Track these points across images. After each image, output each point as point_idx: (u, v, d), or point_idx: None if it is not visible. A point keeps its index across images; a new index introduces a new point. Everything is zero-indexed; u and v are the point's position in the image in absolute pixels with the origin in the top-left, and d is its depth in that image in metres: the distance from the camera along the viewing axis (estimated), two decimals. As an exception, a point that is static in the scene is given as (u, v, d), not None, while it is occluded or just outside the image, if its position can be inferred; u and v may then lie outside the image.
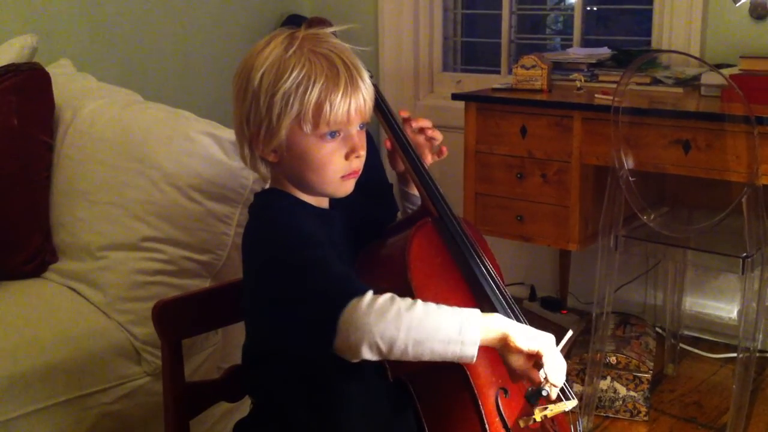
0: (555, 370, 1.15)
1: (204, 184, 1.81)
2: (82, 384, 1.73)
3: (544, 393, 1.16)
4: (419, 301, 1.11)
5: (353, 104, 1.19)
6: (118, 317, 1.83)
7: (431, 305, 1.11)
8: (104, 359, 1.77)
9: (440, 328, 1.09)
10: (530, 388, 1.18)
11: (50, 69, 2.12)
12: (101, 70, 2.67)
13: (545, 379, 1.15)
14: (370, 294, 1.09)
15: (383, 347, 1.07)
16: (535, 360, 1.15)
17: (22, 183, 1.99)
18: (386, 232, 1.36)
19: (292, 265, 1.15)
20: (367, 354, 1.08)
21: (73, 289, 1.93)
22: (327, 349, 1.10)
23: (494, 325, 1.13)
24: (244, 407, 1.38)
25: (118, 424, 1.79)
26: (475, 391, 1.22)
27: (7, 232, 1.97)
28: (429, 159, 1.44)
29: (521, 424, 1.25)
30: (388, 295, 1.10)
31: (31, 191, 2.01)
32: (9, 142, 1.97)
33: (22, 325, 1.77)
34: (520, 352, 1.13)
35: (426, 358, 1.09)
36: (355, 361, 1.10)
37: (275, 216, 1.24)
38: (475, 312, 1.12)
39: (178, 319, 1.36)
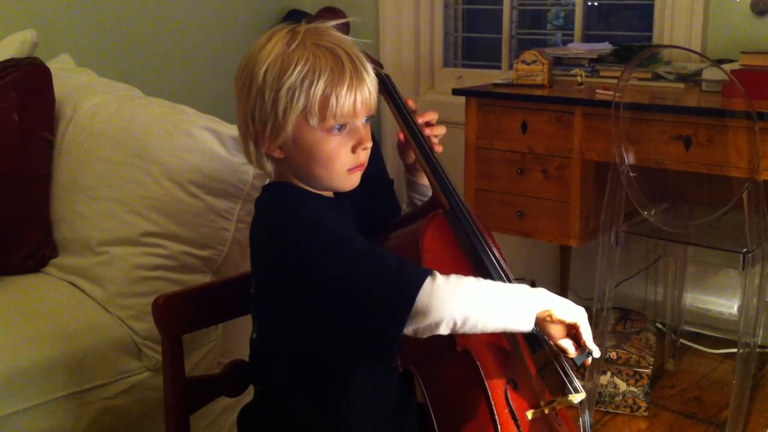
0: (590, 338, 1.23)
1: (204, 179, 1.81)
2: (83, 379, 1.73)
3: (595, 355, 1.24)
4: (480, 279, 1.17)
5: (359, 97, 1.19)
6: (119, 312, 1.83)
7: (490, 282, 1.19)
8: (104, 354, 1.77)
9: (505, 303, 1.16)
10: (574, 354, 1.25)
11: (50, 64, 2.12)
12: (101, 66, 2.67)
13: (584, 344, 1.23)
14: (437, 273, 1.13)
15: (458, 323, 1.12)
16: (570, 330, 1.22)
17: (23, 179, 1.99)
18: (396, 223, 1.36)
19: (337, 258, 1.14)
20: (443, 330, 1.12)
21: (74, 285, 1.93)
22: (395, 335, 1.11)
23: (542, 301, 1.19)
24: (245, 402, 1.38)
25: (119, 419, 1.79)
26: (486, 384, 1.22)
27: (7, 227, 1.97)
28: None
29: (529, 416, 1.26)
30: (453, 275, 1.14)
31: (32, 187, 2.01)
32: (9, 137, 1.97)
33: (23, 321, 1.77)
34: (561, 323, 1.20)
35: (489, 330, 1.16)
36: (425, 337, 1.13)
37: (294, 210, 1.23)
38: (526, 287, 1.20)
39: (179, 315, 1.36)
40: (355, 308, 1.13)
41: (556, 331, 1.21)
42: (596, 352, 1.24)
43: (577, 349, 1.22)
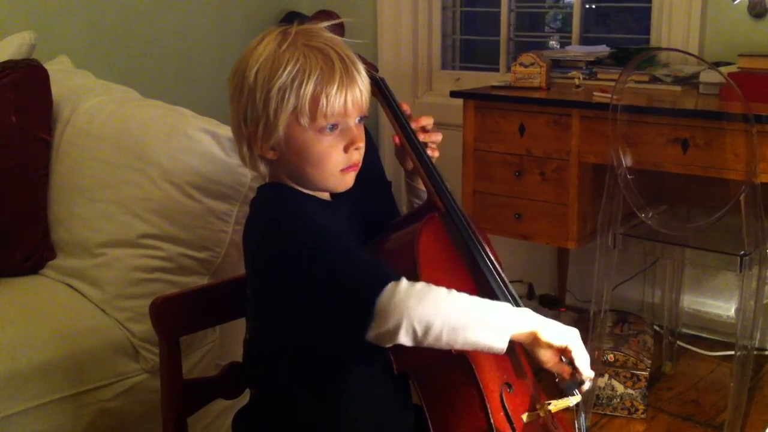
0: (584, 363, 1.19)
1: (202, 181, 1.81)
2: (80, 381, 1.73)
3: (586, 385, 1.21)
4: (454, 291, 1.12)
5: (350, 96, 1.19)
6: (116, 314, 1.83)
7: (465, 295, 1.13)
8: (102, 356, 1.77)
9: (476, 318, 1.11)
10: (564, 383, 1.22)
11: (48, 66, 2.11)
12: (99, 67, 2.67)
13: (578, 370, 1.19)
14: (404, 279, 1.10)
15: (419, 331, 1.07)
16: (563, 354, 1.18)
17: (20, 180, 1.99)
18: (392, 226, 1.36)
19: (317, 255, 1.14)
20: (404, 338, 1.08)
21: (71, 286, 1.93)
22: (358, 337, 1.09)
23: (525, 321, 1.15)
24: (242, 404, 1.38)
25: (116, 421, 1.79)
26: (481, 386, 1.22)
27: (5, 228, 1.96)
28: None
29: (525, 419, 1.26)
30: (422, 282, 1.11)
31: (29, 188, 2.01)
32: (7, 139, 1.97)
33: (20, 322, 1.77)
34: (550, 347, 1.16)
35: (458, 345, 1.11)
36: (388, 345, 1.09)
37: (285, 208, 1.23)
38: (506, 305, 1.15)
39: (176, 316, 1.36)
40: (327, 307, 1.13)
41: (546, 356, 1.17)
42: (587, 383, 1.20)
43: (571, 374, 1.20)
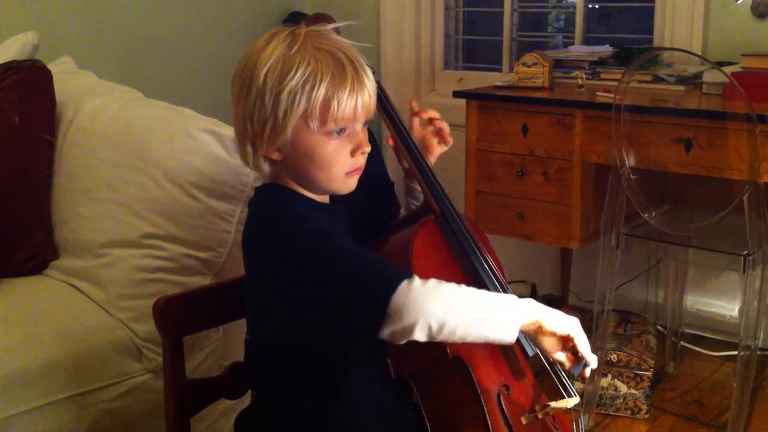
0: (587, 348, 1.20)
1: (205, 181, 1.81)
2: (83, 381, 1.73)
3: (592, 365, 1.21)
4: (463, 286, 1.12)
5: (360, 101, 1.19)
6: (119, 314, 1.83)
7: (474, 290, 1.13)
8: (105, 356, 1.77)
9: (486, 312, 1.12)
10: (568, 368, 1.22)
11: (52, 66, 2.12)
12: (102, 68, 2.67)
13: (581, 356, 1.20)
14: (416, 277, 1.10)
15: (434, 328, 1.08)
16: (565, 342, 1.19)
17: (24, 180, 1.99)
18: (388, 229, 1.36)
19: (315, 255, 1.14)
20: (419, 335, 1.08)
21: (74, 287, 1.93)
22: (369, 336, 1.09)
23: (530, 311, 1.16)
24: (244, 404, 1.39)
25: (119, 421, 1.79)
26: (478, 389, 1.23)
27: (8, 229, 1.97)
28: (436, 151, 1.45)
29: (524, 421, 1.26)
30: (434, 279, 1.11)
31: (33, 189, 2.01)
32: (10, 139, 1.97)
33: (23, 322, 1.77)
34: (553, 335, 1.17)
35: (470, 339, 1.11)
36: (402, 342, 1.09)
37: (283, 209, 1.23)
38: (512, 297, 1.16)
39: (179, 317, 1.36)
40: (332, 307, 1.13)
41: (550, 344, 1.19)
42: (593, 363, 1.21)
43: (574, 360, 1.21)
